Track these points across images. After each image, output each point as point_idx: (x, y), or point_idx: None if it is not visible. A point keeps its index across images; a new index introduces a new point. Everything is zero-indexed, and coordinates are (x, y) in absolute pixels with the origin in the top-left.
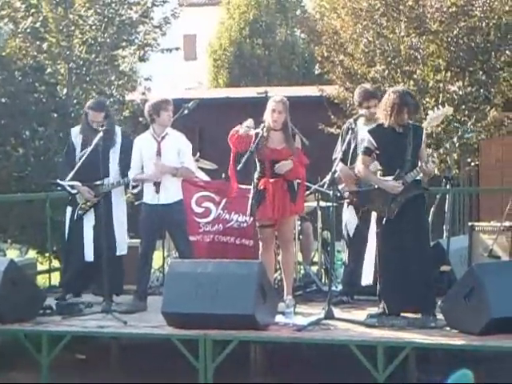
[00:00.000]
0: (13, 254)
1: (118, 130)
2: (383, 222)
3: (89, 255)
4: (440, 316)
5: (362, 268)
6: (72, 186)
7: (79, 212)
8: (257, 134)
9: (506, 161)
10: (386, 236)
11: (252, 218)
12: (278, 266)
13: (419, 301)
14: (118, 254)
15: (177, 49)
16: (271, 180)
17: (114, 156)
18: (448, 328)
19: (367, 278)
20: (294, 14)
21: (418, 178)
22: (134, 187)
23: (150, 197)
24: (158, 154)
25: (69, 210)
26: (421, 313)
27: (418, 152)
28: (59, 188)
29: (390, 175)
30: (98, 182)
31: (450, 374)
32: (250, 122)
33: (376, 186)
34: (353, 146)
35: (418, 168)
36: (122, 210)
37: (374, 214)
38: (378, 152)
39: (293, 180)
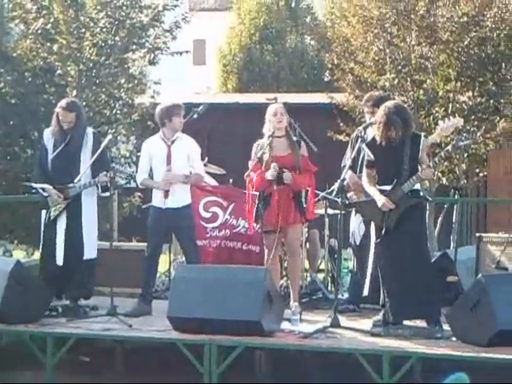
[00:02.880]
0: (19, 254)
1: (89, 130)
2: (382, 233)
3: (59, 259)
4: (446, 326)
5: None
6: (43, 189)
7: (50, 215)
8: (258, 146)
9: None
10: (385, 246)
11: (258, 224)
12: (284, 273)
13: (422, 309)
14: (85, 257)
15: (187, 52)
16: (276, 187)
17: (85, 157)
18: (454, 338)
19: (367, 288)
20: (304, 21)
21: (416, 187)
22: (103, 191)
23: (158, 200)
24: (169, 162)
25: (43, 213)
26: (426, 322)
27: (416, 160)
28: (33, 190)
29: (388, 185)
30: (70, 185)
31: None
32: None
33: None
34: (362, 153)
35: (414, 177)
36: (92, 212)
37: (373, 225)
38: (376, 164)
39: (298, 190)
